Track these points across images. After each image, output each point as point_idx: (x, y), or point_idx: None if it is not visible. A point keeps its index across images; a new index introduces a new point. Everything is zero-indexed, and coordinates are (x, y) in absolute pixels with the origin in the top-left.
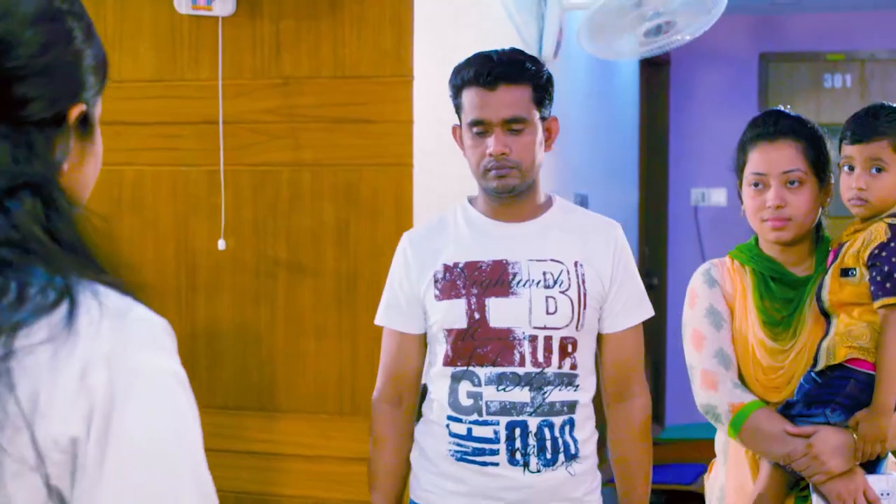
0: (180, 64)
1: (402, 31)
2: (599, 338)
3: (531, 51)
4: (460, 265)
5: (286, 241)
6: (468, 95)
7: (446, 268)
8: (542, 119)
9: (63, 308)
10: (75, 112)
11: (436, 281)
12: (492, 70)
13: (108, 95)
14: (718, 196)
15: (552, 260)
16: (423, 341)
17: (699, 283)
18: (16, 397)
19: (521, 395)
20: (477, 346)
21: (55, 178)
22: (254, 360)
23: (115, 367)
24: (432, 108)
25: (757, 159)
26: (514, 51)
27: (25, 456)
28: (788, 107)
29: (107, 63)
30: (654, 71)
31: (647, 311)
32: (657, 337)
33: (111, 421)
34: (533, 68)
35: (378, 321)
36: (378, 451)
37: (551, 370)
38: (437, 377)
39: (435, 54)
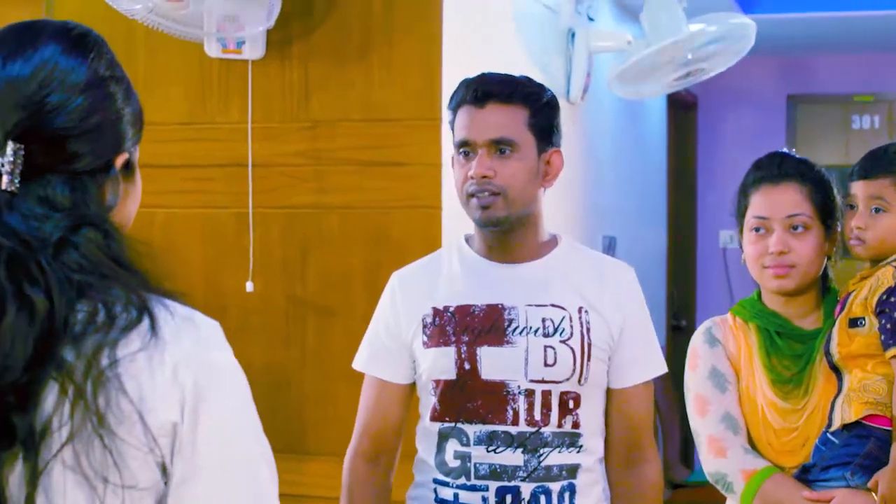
0: (210, 107)
1: (430, 73)
2: (607, 393)
3: (558, 93)
4: (451, 309)
5: (315, 284)
6: (459, 116)
7: (436, 312)
8: (542, 149)
9: (146, 321)
10: (120, 160)
11: (424, 326)
12: (482, 86)
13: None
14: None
15: (553, 305)
16: (408, 392)
17: (700, 343)
18: (128, 397)
19: (514, 457)
20: (466, 400)
21: (108, 216)
22: (283, 403)
23: (198, 364)
24: None
25: (759, 202)
26: (518, 76)
27: (142, 442)
28: (793, 150)
29: (142, 113)
30: (683, 113)
31: (660, 367)
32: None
33: (199, 406)
34: (531, 90)
35: (357, 366)
36: None
37: (549, 429)
38: (424, 434)
39: None
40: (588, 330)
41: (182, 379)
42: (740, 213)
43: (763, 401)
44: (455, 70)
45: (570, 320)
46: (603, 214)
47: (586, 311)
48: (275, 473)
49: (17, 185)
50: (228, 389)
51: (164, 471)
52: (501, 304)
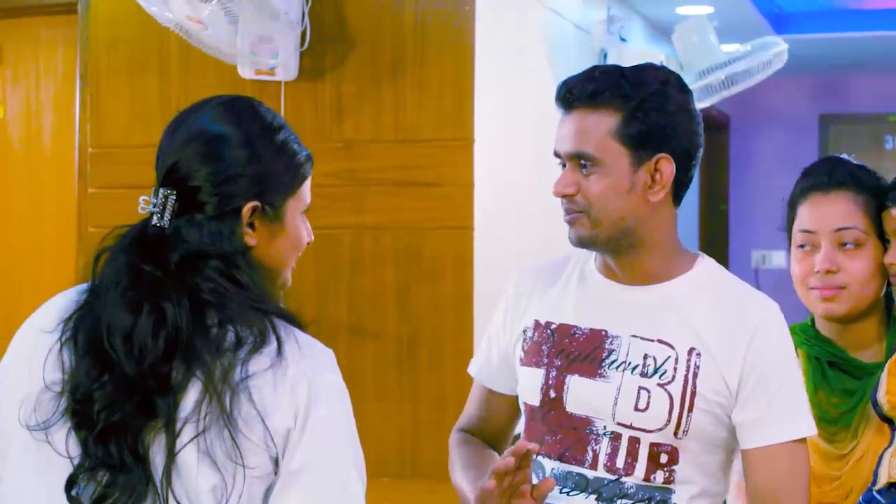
0: None
1: (462, 94)
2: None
3: None
4: (553, 326)
5: (347, 304)
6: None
7: (537, 325)
8: (640, 159)
9: (273, 343)
10: (246, 208)
11: (524, 340)
12: (569, 86)
13: None
14: (779, 258)
15: (660, 341)
16: (516, 404)
17: None
18: (254, 404)
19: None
20: (547, 431)
21: (238, 251)
22: None
23: (312, 383)
24: (493, 171)
25: (806, 214)
26: (617, 67)
27: (261, 440)
28: (853, 155)
29: (290, 168)
30: (715, 132)
31: (799, 429)
32: None
33: (308, 416)
34: (625, 89)
35: (469, 368)
36: (454, 458)
37: (632, 480)
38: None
39: (496, 117)
40: (695, 375)
41: (299, 393)
42: (788, 227)
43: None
44: (487, 91)
45: (676, 361)
46: None
47: (698, 354)
48: (363, 476)
49: (165, 223)
50: (332, 404)
51: (276, 464)
52: (605, 331)
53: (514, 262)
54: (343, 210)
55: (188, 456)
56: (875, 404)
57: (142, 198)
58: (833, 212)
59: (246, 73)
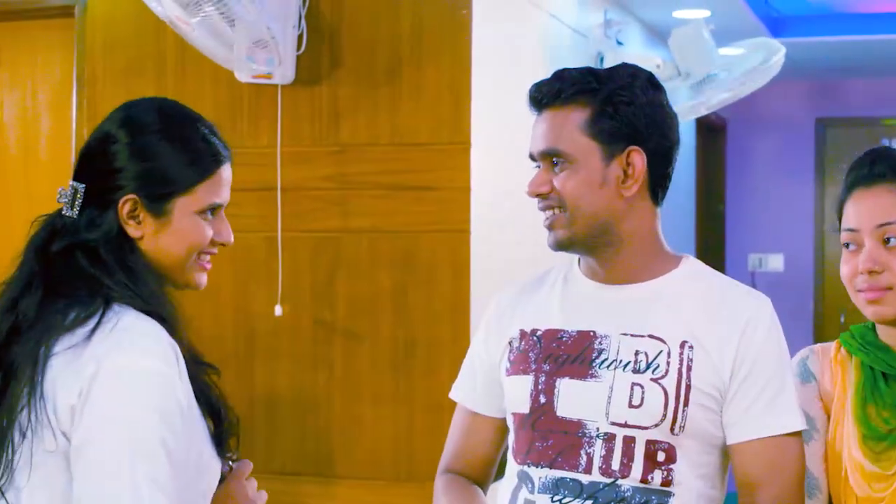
0: (240, 131)
1: (459, 98)
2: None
3: None
4: (539, 333)
5: (343, 307)
6: None
7: (522, 334)
8: (612, 153)
9: (92, 324)
10: (122, 201)
11: (510, 351)
12: (537, 89)
13: None
14: (776, 262)
15: (651, 336)
16: (501, 427)
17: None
18: (49, 380)
19: None
20: (536, 439)
21: (109, 240)
22: (311, 426)
23: (101, 363)
24: (490, 175)
25: (850, 212)
26: (587, 67)
27: (52, 415)
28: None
29: (194, 164)
30: (711, 135)
31: (788, 423)
32: None
33: (90, 395)
34: (591, 84)
35: (451, 394)
36: None
37: (628, 483)
38: (507, 477)
39: (492, 121)
40: (689, 369)
41: (86, 372)
42: (839, 228)
43: (848, 459)
44: (484, 94)
45: (668, 355)
46: None
47: (690, 347)
48: (150, 455)
49: (73, 213)
50: (117, 385)
51: (66, 438)
52: (593, 332)
53: (511, 266)
54: (339, 213)
55: (15, 432)
56: None
57: (59, 188)
58: (874, 207)
59: (242, 76)
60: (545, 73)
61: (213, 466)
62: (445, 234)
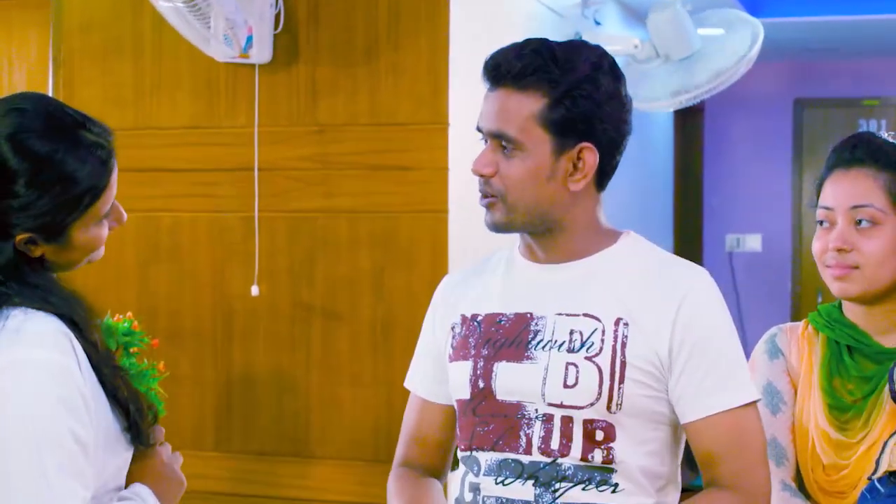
0: (217, 111)
1: (437, 78)
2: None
3: None
4: (479, 318)
5: (322, 288)
6: None
7: (464, 320)
8: (563, 147)
9: None
10: (18, 240)
11: (453, 337)
12: (497, 61)
13: (146, 143)
14: (753, 242)
15: (586, 315)
16: (452, 414)
17: (760, 353)
18: None
19: (523, 490)
20: (478, 424)
21: (8, 267)
22: (289, 407)
23: None
24: (468, 155)
25: (828, 191)
26: (548, 45)
27: None
28: (891, 133)
29: (76, 198)
30: (689, 117)
31: (743, 394)
32: None
33: None
34: (553, 73)
35: (405, 382)
36: None
37: (569, 461)
38: (459, 464)
39: (471, 101)
40: (623, 346)
41: None
42: (815, 205)
43: (814, 429)
44: (462, 74)
45: (603, 333)
46: (608, 219)
47: (626, 324)
48: (56, 448)
49: None
50: (13, 380)
51: None
52: (531, 314)
53: (489, 247)
54: (317, 194)
55: None
56: (892, 384)
57: None
58: (850, 189)
59: (220, 56)
60: None
61: (118, 450)
62: (424, 214)
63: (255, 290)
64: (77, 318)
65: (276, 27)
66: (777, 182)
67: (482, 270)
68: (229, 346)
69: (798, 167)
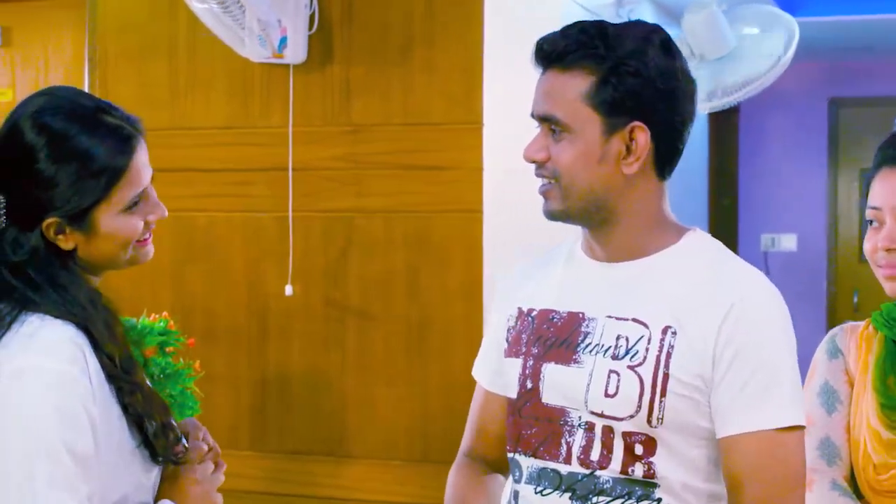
0: (251, 111)
1: (472, 78)
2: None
3: None
4: (534, 313)
5: (356, 288)
6: None
7: (520, 314)
8: (613, 127)
9: (1, 331)
10: (45, 225)
11: (508, 330)
12: (545, 45)
13: (181, 143)
14: (789, 242)
15: (634, 320)
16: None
17: (821, 353)
18: None
19: (560, 503)
20: (523, 426)
21: (36, 258)
22: (324, 406)
23: (2, 365)
24: (502, 155)
25: (875, 189)
26: (597, 23)
27: None
28: None
29: (98, 174)
30: (724, 117)
31: (782, 416)
32: None
33: None
34: (599, 49)
35: (473, 371)
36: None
37: (608, 474)
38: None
39: (505, 101)
40: (668, 356)
41: None
42: (866, 204)
43: (866, 429)
44: (496, 74)
45: (648, 341)
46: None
47: (673, 332)
48: (47, 459)
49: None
50: (17, 384)
51: None
52: (583, 314)
53: (524, 246)
54: (351, 193)
55: None
56: None
57: None
58: None
59: (254, 56)
60: None
61: (135, 465)
62: (458, 213)
63: (289, 290)
64: (95, 328)
65: (310, 27)
66: (812, 181)
67: (546, 262)
68: (264, 345)
69: (833, 167)
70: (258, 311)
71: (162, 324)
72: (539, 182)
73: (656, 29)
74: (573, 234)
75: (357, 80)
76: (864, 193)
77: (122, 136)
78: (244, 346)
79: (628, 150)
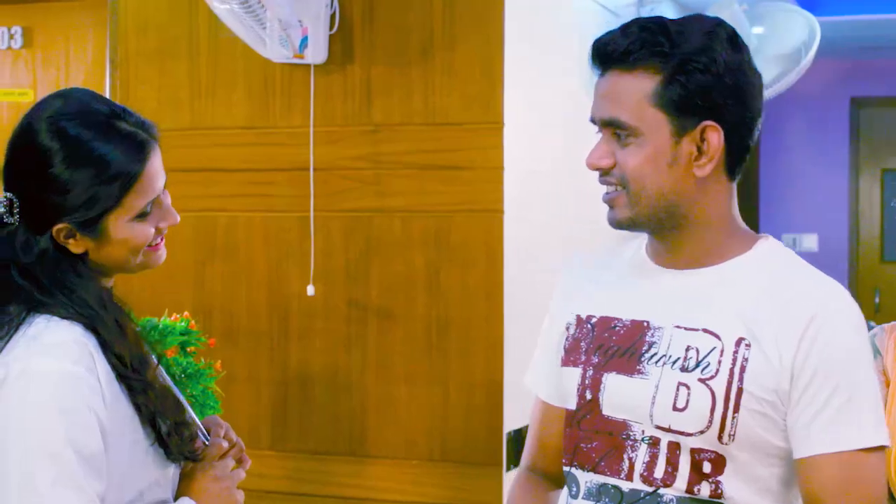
0: (273, 111)
1: (492, 77)
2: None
3: None
4: (594, 320)
5: (377, 287)
6: None
7: (578, 320)
8: (683, 128)
9: (9, 333)
10: (55, 231)
11: (566, 337)
12: (606, 44)
13: (202, 143)
14: (810, 242)
15: (705, 331)
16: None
17: None
18: None
19: None
20: (582, 439)
21: (45, 261)
22: (344, 406)
23: (9, 366)
24: (522, 155)
25: None
26: (657, 19)
27: None
28: None
29: (111, 181)
30: None
31: (865, 436)
32: None
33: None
34: (666, 45)
35: (524, 379)
36: None
37: (672, 493)
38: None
39: (525, 101)
40: (742, 370)
41: None
42: None
43: None
44: (517, 73)
45: (721, 353)
46: None
47: (747, 345)
48: (51, 459)
49: (14, 220)
50: (21, 387)
51: None
52: (647, 322)
53: (544, 246)
54: (372, 193)
55: None
56: None
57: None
58: None
59: (275, 57)
60: (577, 53)
61: (150, 464)
62: (478, 213)
63: (310, 290)
64: (103, 328)
65: (331, 28)
66: (833, 181)
67: (605, 265)
68: (285, 345)
69: (854, 166)
70: (279, 311)
71: (183, 324)
72: (603, 189)
73: (720, 22)
74: (591, 239)
75: (378, 80)
76: None
77: (136, 143)
78: (265, 345)
79: (699, 151)
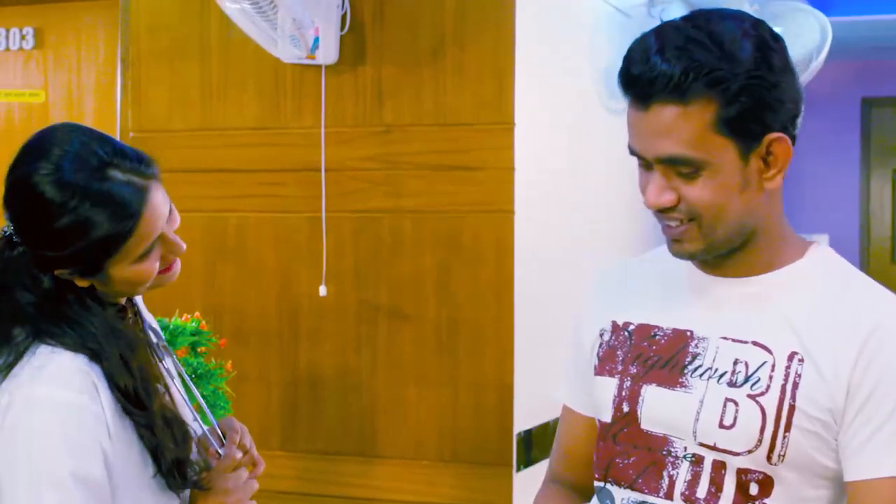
0: (283, 112)
1: (503, 78)
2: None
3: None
4: (631, 327)
5: (387, 288)
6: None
7: (614, 327)
8: (749, 147)
9: (12, 361)
10: (59, 273)
11: (600, 345)
12: (642, 75)
13: (212, 144)
14: (822, 243)
15: (755, 343)
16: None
17: None
18: None
19: None
20: (618, 454)
21: (49, 297)
22: (354, 406)
23: (13, 394)
24: (534, 155)
25: None
26: (688, 34)
27: None
28: None
29: (106, 240)
30: None
31: None
32: None
33: (2, 430)
34: (717, 69)
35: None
36: None
37: None
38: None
39: (536, 101)
40: (795, 386)
41: (2, 402)
42: None
43: None
44: (528, 74)
45: (773, 368)
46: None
47: (800, 360)
48: (56, 489)
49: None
50: (25, 415)
51: None
52: (691, 332)
53: (556, 247)
54: (382, 194)
55: None
56: None
57: (3, 228)
58: None
59: (286, 57)
60: (588, 53)
61: (157, 492)
62: (489, 214)
63: (322, 291)
64: (107, 362)
65: (342, 28)
66: (844, 182)
67: (643, 269)
68: (295, 345)
69: (866, 167)
70: (289, 312)
71: (194, 324)
72: (666, 224)
73: (757, 22)
74: (600, 242)
75: (389, 80)
76: None
77: (133, 192)
78: (275, 346)
79: (766, 163)
